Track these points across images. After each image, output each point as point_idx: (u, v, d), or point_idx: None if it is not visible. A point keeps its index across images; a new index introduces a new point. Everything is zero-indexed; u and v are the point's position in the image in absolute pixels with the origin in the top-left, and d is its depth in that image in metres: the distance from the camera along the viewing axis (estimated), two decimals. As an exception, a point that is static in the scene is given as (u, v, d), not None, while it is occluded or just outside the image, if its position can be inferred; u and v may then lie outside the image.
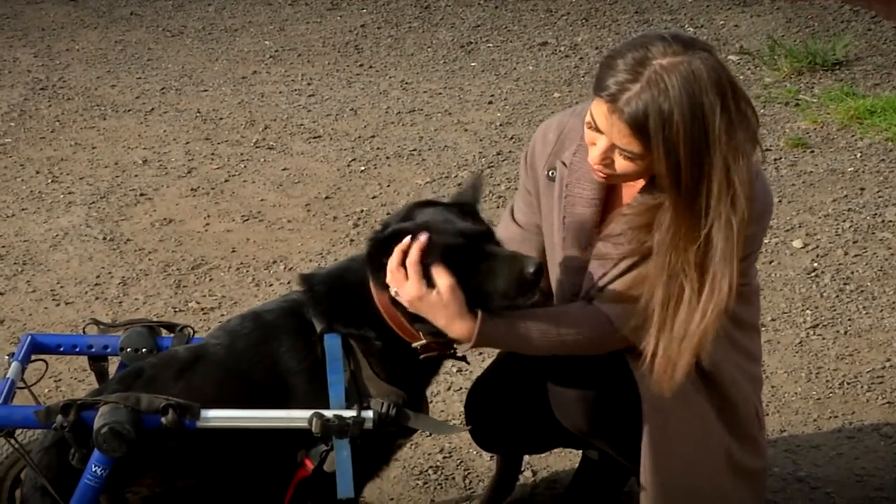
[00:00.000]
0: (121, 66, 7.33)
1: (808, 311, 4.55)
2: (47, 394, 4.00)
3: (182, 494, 2.86)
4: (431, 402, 3.94)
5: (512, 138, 6.16)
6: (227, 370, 2.82)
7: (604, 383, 2.85)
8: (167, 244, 5.10)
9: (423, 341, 2.76)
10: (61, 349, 3.13)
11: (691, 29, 7.73)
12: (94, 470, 2.72)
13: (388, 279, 2.67)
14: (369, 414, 2.73)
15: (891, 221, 5.23)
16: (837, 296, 4.66)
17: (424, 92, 6.85)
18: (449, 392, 4.03)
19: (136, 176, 5.77)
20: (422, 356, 2.79)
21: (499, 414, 3.18)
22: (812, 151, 5.95)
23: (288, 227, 5.26)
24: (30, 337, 3.12)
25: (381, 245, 2.67)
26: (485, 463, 3.68)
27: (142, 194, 5.58)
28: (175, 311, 4.56)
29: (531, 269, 2.64)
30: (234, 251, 5.05)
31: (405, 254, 2.65)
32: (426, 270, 2.65)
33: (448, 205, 2.81)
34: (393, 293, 2.69)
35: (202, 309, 4.59)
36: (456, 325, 2.68)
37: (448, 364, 3.00)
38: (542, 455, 3.64)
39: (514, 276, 2.66)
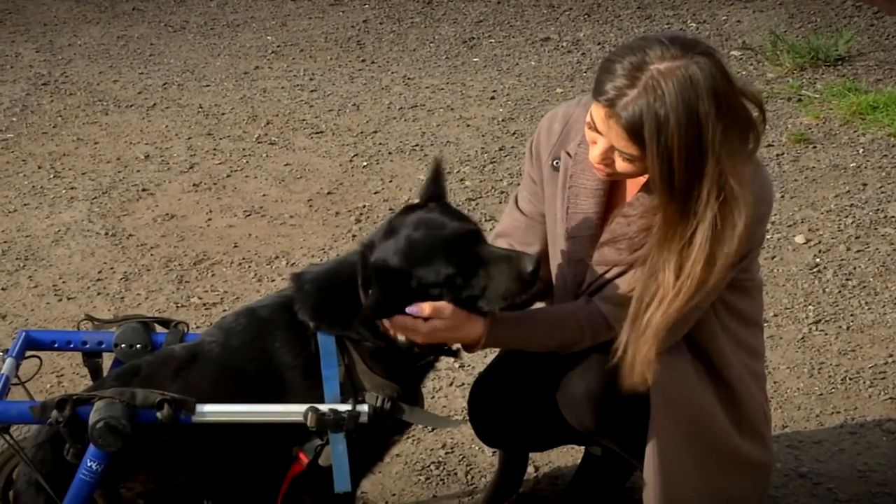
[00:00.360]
0: (123, 61, 7.33)
1: (810, 307, 4.55)
2: (49, 389, 4.01)
3: (177, 490, 2.85)
4: (434, 397, 3.95)
5: (514, 134, 6.16)
6: (223, 367, 2.82)
7: (610, 381, 2.85)
8: (169, 239, 5.10)
9: (416, 350, 2.77)
10: (56, 345, 3.12)
11: (694, 24, 7.72)
12: (89, 465, 2.71)
13: (392, 337, 2.73)
14: (364, 408, 2.73)
15: (893, 217, 5.23)
16: (840, 291, 4.66)
17: (427, 87, 6.84)
18: (451, 387, 4.03)
19: (138, 171, 5.77)
20: (420, 363, 2.82)
21: (502, 409, 3.19)
22: (814, 147, 5.94)
23: (290, 222, 5.26)
24: (24, 333, 3.11)
25: (372, 287, 2.69)
26: (487, 458, 3.68)
27: (144, 189, 5.58)
28: (177, 307, 4.56)
29: (529, 269, 2.66)
30: (236, 246, 5.05)
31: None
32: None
33: (428, 207, 2.80)
34: (402, 340, 2.74)
35: (204, 304, 4.59)
36: (469, 334, 2.75)
37: (450, 360, 3.00)
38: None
39: (513, 276, 2.67)
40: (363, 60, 7.32)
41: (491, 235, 3.04)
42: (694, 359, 2.87)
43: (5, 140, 6.14)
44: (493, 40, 7.62)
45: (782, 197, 5.41)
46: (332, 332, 2.77)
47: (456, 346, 2.87)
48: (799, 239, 5.05)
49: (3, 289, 4.72)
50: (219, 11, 8.24)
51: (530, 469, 3.58)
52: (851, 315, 4.50)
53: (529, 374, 3.07)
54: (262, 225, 5.24)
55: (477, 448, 3.71)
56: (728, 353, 2.90)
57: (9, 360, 2.99)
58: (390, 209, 5.33)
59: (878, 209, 5.30)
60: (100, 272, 4.83)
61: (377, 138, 6.14)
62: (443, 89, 6.81)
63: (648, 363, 2.68)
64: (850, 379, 4.11)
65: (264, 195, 5.52)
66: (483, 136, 6.15)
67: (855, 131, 6.08)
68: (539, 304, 3.06)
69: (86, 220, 5.28)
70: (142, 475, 2.81)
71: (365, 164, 5.84)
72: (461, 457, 3.71)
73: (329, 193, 5.53)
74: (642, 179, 2.81)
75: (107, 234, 5.15)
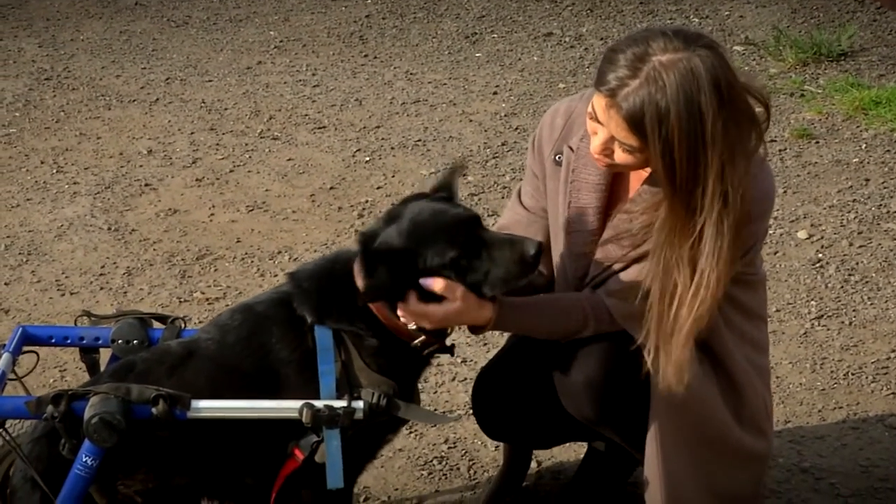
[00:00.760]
0: (125, 56, 7.33)
1: (812, 302, 4.55)
2: (52, 384, 4.01)
3: (174, 488, 2.85)
4: (436, 392, 3.95)
5: (517, 129, 6.16)
6: (219, 365, 2.82)
7: (610, 370, 2.86)
8: (172, 234, 5.11)
9: (423, 338, 2.77)
10: (53, 341, 3.12)
11: (696, 20, 7.71)
12: (84, 460, 2.71)
13: (404, 322, 2.73)
14: (360, 404, 2.73)
15: (895, 212, 5.23)
16: (842, 286, 4.66)
17: (429, 82, 6.84)
18: (454, 383, 4.04)
19: (140, 166, 5.78)
20: (424, 352, 2.81)
21: (505, 402, 3.19)
22: (817, 142, 5.94)
23: (293, 217, 5.26)
24: (21, 328, 3.10)
25: (371, 285, 2.69)
26: (489, 453, 3.68)
27: (147, 184, 5.58)
28: (180, 302, 4.56)
29: (532, 252, 2.68)
30: (238, 241, 5.05)
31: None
32: (427, 294, 2.68)
33: (433, 196, 2.83)
34: (412, 328, 2.74)
35: (207, 299, 4.59)
36: (479, 317, 2.76)
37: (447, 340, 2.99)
38: (547, 445, 3.64)
39: (515, 259, 2.68)
40: (366, 55, 7.32)
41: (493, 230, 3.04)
42: (696, 351, 2.88)
43: (8, 135, 6.15)
44: (495, 35, 7.61)
45: (785, 192, 5.41)
46: (335, 327, 2.77)
47: (451, 342, 2.88)
48: (801, 234, 5.05)
49: (5, 284, 4.73)
50: (221, 6, 8.24)
51: (533, 464, 3.58)
52: (854, 310, 4.50)
53: (533, 366, 3.07)
54: (264, 220, 5.24)
55: (479, 443, 3.71)
56: (731, 347, 2.90)
57: (5, 356, 2.99)
58: (392, 204, 5.32)
59: (880, 204, 5.29)
60: (102, 267, 4.84)
61: (379, 133, 6.14)
62: (445, 84, 6.81)
63: (684, 365, 2.68)
64: (853, 374, 4.11)
65: (267, 190, 5.52)
66: (485, 131, 6.15)
67: (857, 127, 6.07)
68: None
69: (88, 215, 5.28)
70: (140, 474, 2.81)
71: (367, 159, 5.84)
72: (464, 451, 3.72)
73: (331, 188, 5.53)
74: (644, 174, 2.82)
75: (109, 229, 5.15)
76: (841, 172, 5.62)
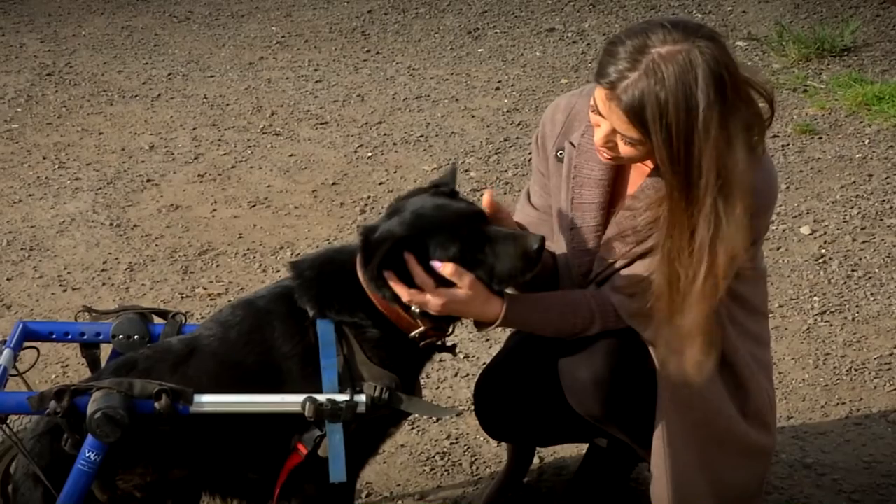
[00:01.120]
0: (127, 51, 7.32)
1: (815, 298, 4.54)
2: (54, 379, 4.01)
3: (174, 483, 2.85)
4: (439, 388, 3.95)
5: (519, 124, 6.15)
6: (221, 361, 2.81)
7: (617, 368, 2.85)
8: (174, 230, 5.10)
9: (422, 328, 2.76)
10: (53, 336, 3.12)
11: (699, 15, 7.70)
12: (87, 455, 2.71)
13: (407, 301, 2.71)
14: (362, 398, 2.73)
15: (899, 208, 5.23)
16: (845, 282, 4.65)
17: (431, 78, 6.84)
18: (456, 378, 4.03)
19: (142, 162, 5.77)
20: (421, 344, 2.80)
21: (507, 403, 3.18)
22: (820, 138, 5.93)
23: (295, 213, 5.26)
24: (21, 324, 3.10)
25: (375, 255, 2.69)
26: (492, 449, 3.68)
27: (148, 180, 5.57)
28: (182, 297, 4.56)
29: (535, 246, 2.68)
30: (240, 237, 5.05)
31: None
32: (437, 276, 2.67)
33: (435, 191, 2.83)
34: (416, 311, 2.73)
35: (209, 295, 4.59)
36: (486, 311, 2.75)
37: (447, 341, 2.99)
38: (549, 441, 3.64)
39: (518, 254, 2.68)
40: (368, 51, 7.31)
41: None
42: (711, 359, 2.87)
43: (10, 131, 6.14)
44: (497, 31, 7.60)
45: (787, 188, 5.40)
46: (336, 319, 2.77)
47: (452, 341, 2.88)
48: (804, 230, 5.04)
49: (7, 279, 4.72)
50: (223, 2, 8.23)
51: (535, 460, 3.57)
52: (857, 306, 4.49)
53: (535, 367, 3.07)
54: (266, 216, 5.24)
55: (482, 439, 3.71)
56: (735, 341, 2.90)
57: (6, 352, 2.99)
58: (395, 199, 5.32)
59: (883, 200, 5.29)
60: (104, 263, 4.84)
61: (382, 129, 6.13)
62: (447, 80, 6.80)
63: (699, 364, 2.68)
64: (856, 370, 4.11)
65: (269, 186, 5.51)
66: (488, 126, 6.14)
67: (861, 122, 6.07)
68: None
69: (90, 210, 5.28)
70: (139, 467, 2.81)
71: (370, 154, 5.83)
72: (466, 447, 3.71)
73: (334, 184, 5.52)
74: (646, 169, 2.81)
75: (111, 224, 5.15)
76: (844, 168, 5.61)
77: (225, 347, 2.83)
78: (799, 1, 7.90)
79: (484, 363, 3.91)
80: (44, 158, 5.82)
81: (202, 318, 4.28)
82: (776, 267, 4.74)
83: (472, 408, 3.38)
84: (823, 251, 4.88)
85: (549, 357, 2.97)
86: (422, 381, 3.01)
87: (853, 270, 4.73)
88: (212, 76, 6.91)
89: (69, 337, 3.11)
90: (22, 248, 4.95)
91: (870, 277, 4.68)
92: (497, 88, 6.65)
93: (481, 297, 2.72)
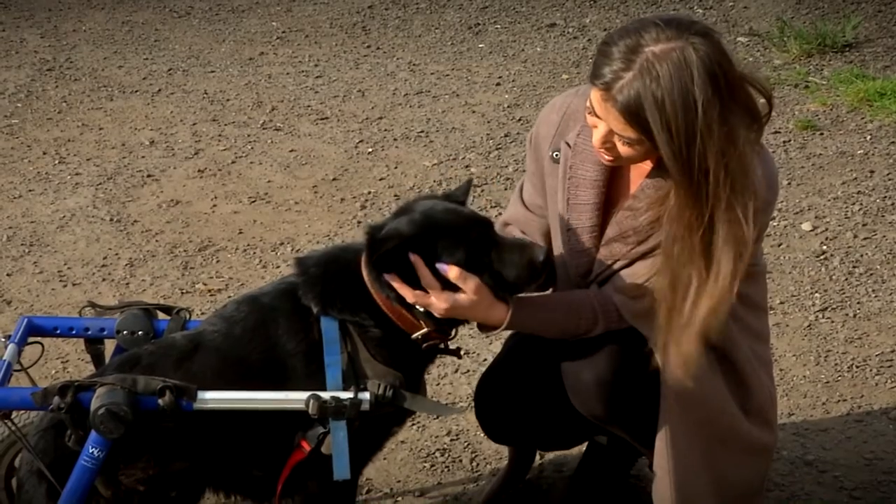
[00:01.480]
0: (128, 46, 7.31)
1: (816, 294, 4.54)
2: (54, 375, 4.01)
3: (177, 477, 2.85)
4: (439, 384, 3.95)
5: (520, 120, 6.14)
6: (225, 357, 2.81)
7: (620, 368, 2.85)
8: (174, 225, 5.10)
9: (425, 330, 2.76)
10: (58, 332, 3.12)
11: (700, 10, 7.69)
12: (90, 451, 2.71)
13: (412, 301, 2.71)
14: (366, 395, 2.73)
15: (900, 204, 5.22)
16: (846, 279, 4.64)
17: (432, 73, 6.83)
18: (456, 374, 4.03)
19: (142, 157, 5.77)
20: (424, 346, 2.80)
21: (508, 406, 3.18)
22: (822, 134, 5.92)
23: (295, 208, 5.25)
24: (26, 319, 3.10)
25: (380, 253, 2.68)
26: (492, 446, 3.67)
27: (149, 175, 5.57)
28: (182, 293, 4.56)
29: (541, 258, 2.68)
30: (241, 233, 5.04)
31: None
32: (443, 278, 2.67)
33: (445, 197, 2.84)
34: (420, 311, 2.72)
35: (209, 290, 4.58)
36: (490, 315, 2.75)
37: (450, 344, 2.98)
38: (550, 438, 3.63)
39: (524, 263, 2.68)
40: (368, 46, 7.30)
41: (498, 223, 3.02)
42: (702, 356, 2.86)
43: (10, 126, 6.14)
44: (498, 26, 7.59)
45: (789, 184, 5.39)
46: (339, 317, 2.76)
47: (455, 344, 2.88)
48: (806, 226, 5.03)
49: (8, 275, 4.72)
50: (224, -3, 8.23)
51: (536, 457, 3.57)
52: (858, 303, 4.48)
53: (536, 369, 3.06)
54: (267, 211, 5.23)
55: (482, 435, 3.69)
56: (736, 338, 2.89)
57: (11, 347, 2.99)
58: (395, 195, 5.32)
59: (885, 196, 5.28)
60: (105, 258, 4.83)
61: (382, 124, 6.12)
62: (448, 75, 6.80)
63: (691, 357, 2.67)
64: (857, 367, 4.10)
65: (269, 181, 5.51)
66: (488, 122, 6.13)
67: (862, 118, 6.06)
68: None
69: (91, 205, 5.28)
70: (141, 462, 2.80)
71: (370, 150, 5.83)
72: (466, 444, 3.71)
73: (334, 180, 5.51)
74: (645, 169, 2.80)
75: (112, 219, 5.14)
76: (845, 164, 5.60)
77: (229, 343, 2.82)
78: (800, -4, 7.90)
79: (485, 360, 3.91)
80: (44, 154, 5.81)
81: (202, 313, 4.28)
82: (777, 263, 4.73)
83: (473, 404, 3.37)
84: (825, 247, 4.87)
85: (550, 357, 2.96)
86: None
87: (854, 267, 4.72)
88: (212, 71, 6.90)
89: (73, 332, 3.11)
90: (22, 244, 4.95)
91: (871, 274, 4.68)
92: (498, 84, 6.64)
93: (486, 301, 2.71)
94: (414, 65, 6.96)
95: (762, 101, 2.68)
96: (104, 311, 3.14)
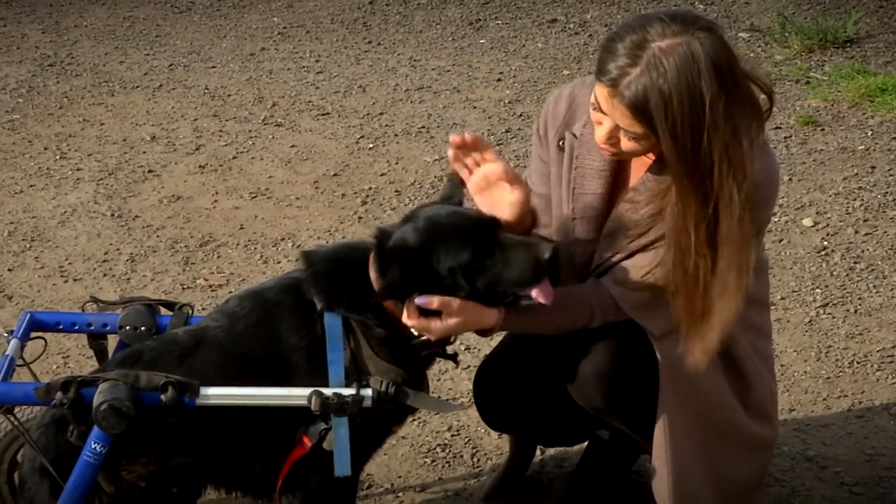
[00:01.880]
0: (129, 42, 7.31)
1: (818, 290, 4.54)
2: (55, 370, 4.01)
3: (178, 473, 2.85)
4: (439, 379, 3.95)
5: (521, 116, 6.14)
6: (227, 353, 2.81)
7: (619, 360, 2.85)
8: (175, 221, 5.10)
9: (425, 337, 2.76)
10: (60, 327, 3.12)
11: (702, 6, 7.68)
12: (93, 447, 2.71)
13: (411, 326, 2.72)
14: (368, 392, 2.73)
15: (902, 200, 5.21)
16: (847, 274, 4.64)
17: (433, 69, 6.82)
18: (457, 370, 4.02)
19: (144, 153, 5.77)
20: (423, 353, 2.82)
21: (508, 394, 3.18)
22: (823, 129, 5.92)
23: (296, 204, 5.25)
24: (29, 314, 3.11)
25: (391, 266, 2.69)
26: (493, 441, 3.68)
27: (150, 171, 5.57)
28: (183, 288, 4.56)
29: (546, 255, 2.67)
30: (242, 228, 5.04)
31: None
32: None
33: (446, 202, 2.85)
34: (417, 333, 2.75)
35: (210, 286, 4.58)
36: (482, 323, 2.75)
37: (457, 343, 3.00)
38: (551, 433, 3.63)
39: (529, 262, 2.67)
40: (369, 42, 7.30)
41: None
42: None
43: (11, 121, 6.14)
44: (499, 22, 7.59)
45: (790, 180, 5.39)
46: (345, 315, 2.76)
47: (453, 350, 2.90)
48: (807, 222, 5.03)
49: (9, 270, 4.72)
50: (225, -8, 8.22)
51: (537, 452, 3.57)
52: (859, 298, 4.48)
53: (535, 358, 3.06)
54: (267, 207, 5.23)
55: (483, 431, 3.71)
56: (737, 333, 2.89)
57: (13, 342, 3.00)
58: (396, 191, 5.32)
59: (886, 192, 5.27)
60: (106, 253, 4.83)
61: (383, 120, 6.12)
62: (449, 71, 6.79)
63: (713, 347, 2.68)
64: (858, 362, 4.10)
65: (270, 177, 5.51)
66: (489, 118, 6.13)
67: (863, 114, 6.05)
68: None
69: (92, 201, 5.28)
70: (143, 458, 2.80)
71: (371, 145, 5.82)
72: (467, 439, 3.71)
73: (335, 175, 5.51)
74: (647, 162, 2.80)
75: (113, 215, 5.14)
76: (847, 160, 5.60)
77: (231, 339, 2.82)
78: (802, -8, 7.89)
79: (484, 355, 3.91)
80: (45, 149, 5.81)
81: (203, 309, 4.28)
82: (778, 259, 4.73)
83: (473, 399, 3.37)
84: (826, 243, 4.87)
85: (549, 347, 2.96)
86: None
87: (855, 262, 4.72)
88: (213, 67, 6.90)
89: (76, 327, 3.11)
90: (23, 239, 4.95)
91: (872, 269, 4.67)
92: (499, 79, 6.64)
93: (472, 316, 2.71)
94: (415, 60, 6.96)
95: (763, 97, 2.68)
96: (107, 307, 3.14)
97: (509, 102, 6.32)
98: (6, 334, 3.04)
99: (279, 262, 4.74)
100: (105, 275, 4.67)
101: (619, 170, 2.89)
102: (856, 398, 3.92)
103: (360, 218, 5.10)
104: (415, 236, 2.70)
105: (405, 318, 2.71)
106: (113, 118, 6.18)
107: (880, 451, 3.65)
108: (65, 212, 5.18)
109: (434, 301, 2.67)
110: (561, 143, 2.91)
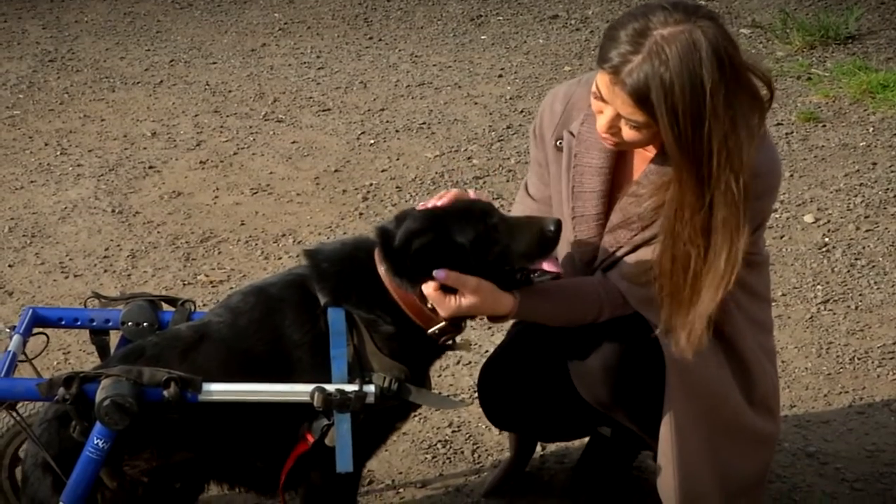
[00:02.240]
0: (130, 37, 7.31)
1: (819, 286, 4.53)
2: (56, 366, 4.01)
3: (180, 469, 2.85)
4: (441, 375, 3.95)
5: (522, 112, 6.14)
6: (231, 348, 2.81)
7: (625, 355, 2.85)
8: (176, 217, 5.10)
9: (442, 324, 2.75)
10: (62, 322, 3.12)
11: (703, 2, 7.68)
12: (95, 443, 2.71)
13: (429, 297, 2.71)
14: (371, 388, 2.72)
15: (903, 196, 5.21)
16: (849, 271, 4.64)
17: (434, 65, 6.82)
18: (458, 366, 4.03)
19: (144, 148, 5.76)
20: (440, 341, 2.80)
21: (511, 391, 3.18)
22: (824, 126, 5.92)
23: (297, 200, 5.25)
24: (31, 310, 3.10)
25: (398, 254, 2.70)
26: (493, 437, 3.68)
27: (150, 167, 5.57)
28: (184, 284, 4.56)
29: (552, 227, 2.70)
30: (242, 224, 5.04)
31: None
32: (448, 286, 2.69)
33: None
34: (429, 307, 2.73)
35: (211, 282, 4.58)
36: (498, 308, 2.75)
37: (458, 338, 2.99)
38: (552, 429, 3.64)
39: (535, 235, 2.69)
40: (370, 38, 7.29)
41: None
42: (709, 333, 2.87)
43: (12, 117, 6.13)
44: (500, 18, 7.58)
45: (791, 176, 5.39)
46: (354, 311, 2.76)
47: (460, 337, 2.88)
48: (808, 218, 5.03)
49: (10, 266, 4.72)
50: (226, -12, 8.22)
51: (538, 448, 3.57)
52: (860, 295, 4.48)
53: (539, 355, 3.06)
54: (268, 202, 5.23)
55: (484, 427, 3.71)
56: (742, 328, 2.90)
57: (16, 337, 3.00)
58: (397, 187, 5.32)
59: (887, 188, 5.27)
60: (106, 249, 4.83)
61: (384, 116, 6.12)
62: (450, 67, 6.79)
63: (700, 334, 2.69)
64: (859, 359, 4.10)
65: (271, 173, 5.51)
66: (491, 114, 6.13)
67: (865, 110, 6.05)
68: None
69: (92, 197, 5.28)
70: (145, 454, 2.80)
71: (372, 141, 5.82)
72: (468, 435, 3.71)
73: (336, 171, 5.51)
74: (648, 155, 2.80)
75: (113, 211, 5.14)
76: (848, 156, 5.59)
77: (234, 334, 2.82)
78: (803, -12, 7.89)
79: (486, 351, 3.91)
80: (46, 145, 5.81)
81: (204, 305, 4.28)
82: (779, 255, 4.73)
83: (475, 396, 3.37)
84: (827, 239, 4.87)
85: (553, 344, 2.96)
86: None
87: (857, 259, 4.72)
88: (214, 63, 6.89)
89: (78, 323, 3.11)
90: (24, 235, 4.95)
91: (873, 266, 4.67)
92: (500, 76, 6.64)
93: (488, 296, 2.71)
94: (416, 56, 6.96)
95: (764, 91, 2.68)
96: (109, 303, 3.13)
97: (510, 98, 6.32)
98: (8, 330, 3.04)
99: (280, 259, 4.74)
100: (106, 271, 4.67)
101: (621, 166, 2.89)
102: (856, 394, 3.92)
103: (360, 214, 5.10)
104: (420, 223, 2.70)
105: (425, 288, 2.70)
106: (113, 114, 6.18)
107: (881, 448, 3.65)
108: (65, 208, 5.18)
109: (450, 276, 2.67)
110: (559, 142, 2.91)
